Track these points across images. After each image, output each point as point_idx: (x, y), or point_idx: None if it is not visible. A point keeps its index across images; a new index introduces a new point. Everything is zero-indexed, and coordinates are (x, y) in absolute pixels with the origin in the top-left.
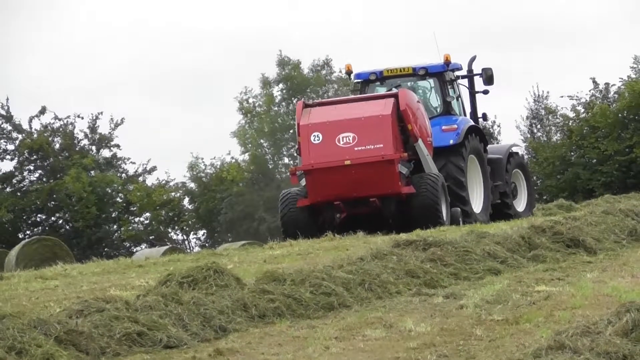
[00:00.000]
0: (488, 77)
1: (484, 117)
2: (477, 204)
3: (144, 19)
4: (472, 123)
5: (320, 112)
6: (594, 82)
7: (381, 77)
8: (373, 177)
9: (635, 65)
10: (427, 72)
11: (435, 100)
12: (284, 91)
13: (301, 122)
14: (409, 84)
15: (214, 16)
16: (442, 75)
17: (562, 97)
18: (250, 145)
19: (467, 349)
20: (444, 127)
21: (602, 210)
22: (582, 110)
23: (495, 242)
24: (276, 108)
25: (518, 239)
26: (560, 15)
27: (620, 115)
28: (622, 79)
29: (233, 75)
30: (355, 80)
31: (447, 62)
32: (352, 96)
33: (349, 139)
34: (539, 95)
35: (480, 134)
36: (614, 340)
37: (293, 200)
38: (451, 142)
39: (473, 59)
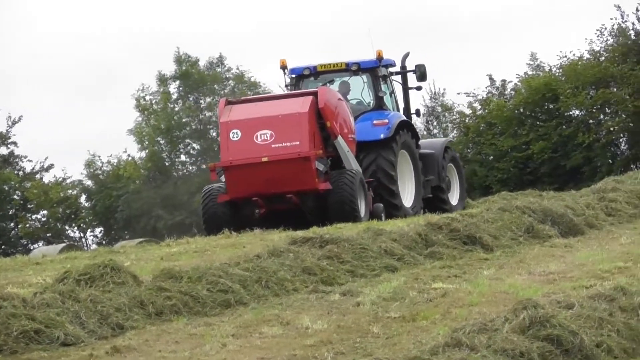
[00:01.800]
0: (421, 74)
1: (417, 112)
2: (407, 198)
3: (40, 15)
4: (403, 118)
5: (240, 110)
6: (491, 78)
7: (315, 73)
8: (290, 173)
9: (531, 62)
10: (359, 68)
11: (367, 96)
12: (181, 88)
13: (221, 120)
14: (342, 79)
15: (109, 14)
16: (374, 70)
17: (458, 94)
18: (147, 142)
19: (364, 346)
20: (375, 122)
21: (498, 207)
22: (479, 107)
23: (392, 239)
24: (172, 105)
25: (415, 235)
26: (457, 12)
27: (516, 111)
28: (518, 75)
29: (129, 72)
30: (290, 76)
31: (380, 58)
32: (273, 94)
33: (267, 136)
34: (435, 92)
35: (411, 129)
36: (511, 338)
37: (214, 196)
38: (382, 136)
39: (406, 55)
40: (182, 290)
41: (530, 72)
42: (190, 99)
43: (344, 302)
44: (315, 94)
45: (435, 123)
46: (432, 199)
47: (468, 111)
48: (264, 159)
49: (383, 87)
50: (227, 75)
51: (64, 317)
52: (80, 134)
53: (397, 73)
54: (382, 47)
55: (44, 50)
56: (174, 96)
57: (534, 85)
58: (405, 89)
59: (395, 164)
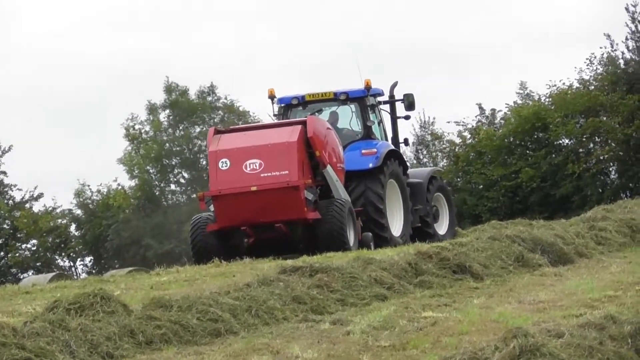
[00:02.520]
0: (409, 103)
1: (406, 142)
2: (396, 227)
3: (27, 44)
4: (391, 147)
5: (229, 139)
6: (480, 107)
7: (303, 102)
8: (279, 203)
9: (521, 91)
10: (348, 97)
11: (356, 125)
12: (171, 117)
13: (210, 149)
14: (330, 108)
15: (98, 43)
16: (362, 100)
17: (448, 122)
18: (137, 171)
19: None
20: (363, 151)
21: (488, 236)
22: (469, 135)
23: (382, 268)
24: (163, 134)
25: (404, 264)
26: (446, 41)
27: (506, 140)
28: (508, 104)
29: (119, 101)
30: (278, 105)
31: (368, 87)
32: (262, 123)
33: (256, 166)
34: (425, 121)
35: (399, 158)
36: None
37: (203, 225)
38: (370, 165)
39: (395, 84)
40: (172, 319)
41: (519, 101)
42: (181, 128)
43: (334, 331)
44: (304, 123)
45: (425, 152)
46: (419, 228)
47: (458, 140)
48: (253, 188)
49: (371, 116)
50: (217, 105)
51: (54, 346)
52: (70, 163)
53: (385, 102)
54: (371, 76)
55: (32, 79)
56: (164, 125)
57: (523, 114)
58: (394, 118)
59: (383, 196)
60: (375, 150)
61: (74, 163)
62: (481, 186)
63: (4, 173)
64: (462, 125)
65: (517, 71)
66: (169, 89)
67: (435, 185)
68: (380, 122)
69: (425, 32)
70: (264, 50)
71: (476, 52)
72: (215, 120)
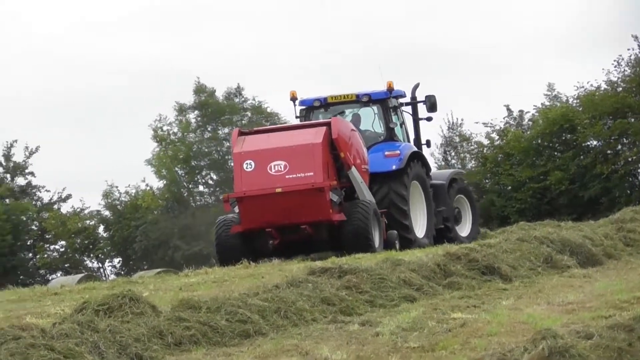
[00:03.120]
0: (431, 104)
1: (428, 143)
2: (420, 229)
3: (57, 44)
4: (414, 149)
5: (253, 140)
6: (508, 109)
7: (325, 104)
8: (304, 204)
9: (549, 93)
10: (370, 99)
11: (378, 127)
12: (199, 118)
13: (235, 150)
14: (352, 110)
15: (126, 44)
16: (385, 101)
17: (476, 123)
18: (165, 172)
19: None
20: (386, 153)
21: (517, 237)
22: (497, 137)
23: (411, 269)
24: (192, 134)
25: (433, 266)
26: (475, 43)
27: (534, 142)
28: (536, 106)
29: (146, 103)
30: (300, 107)
31: (390, 89)
32: (286, 124)
33: (281, 167)
34: (453, 122)
35: (422, 160)
36: None
37: (227, 227)
38: (394, 167)
39: (416, 86)
40: (201, 321)
41: (547, 103)
42: (209, 129)
43: (363, 332)
44: (328, 124)
45: (453, 153)
46: (441, 230)
47: (486, 141)
48: (278, 190)
49: (394, 118)
50: (245, 106)
51: (83, 347)
52: (98, 164)
53: (407, 104)
54: (394, 78)
55: (61, 80)
56: (193, 126)
57: (551, 116)
58: (416, 120)
59: (407, 197)
60: (398, 152)
61: (102, 164)
62: (509, 187)
63: (32, 174)
64: (490, 126)
65: (545, 73)
66: (199, 89)
67: (456, 187)
68: (403, 123)
69: (453, 34)
70: (290, 52)
71: (504, 53)
72: (243, 121)
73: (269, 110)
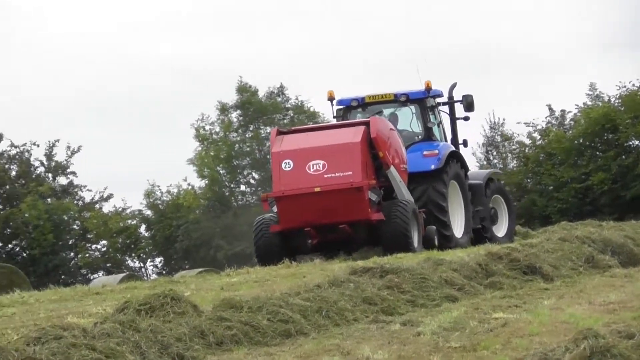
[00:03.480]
0: (468, 104)
1: (465, 143)
2: (458, 228)
3: (99, 45)
4: (453, 149)
5: (292, 140)
6: (550, 109)
7: (363, 104)
8: (342, 204)
9: (591, 92)
10: (408, 99)
11: (416, 126)
12: (241, 118)
13: (273, 150)
14: (390, 110)
15: (169, 44)
16: (423, 101)
17: (518, 123)
18: (207, 170)
19: None
20: (425, 153)
21: (558, 237)
22: (538, 137)
23: (452, 269)
24: (234, 134)
25: (475, 266)
26: (517, 42)
27: (576, 142)
28: (577, 105)
29: (188, 102)
30: (337, 107)
31: (428, 89)
32: (325, 124)
33: (319, 167)
34: (495, 122)
35: (461, 160)
36: None
37: (266, 227)
38: (432, 167)
39: (454, 86)
40: (242, 320)
41: (589, 103)
42: (251, 128)
43: (405, 332)
44: (367, 123)
45: (494, 153)
46: (477, 230)
47: (527, 141)
48: (317, 189)
49: (431, 117)
50: (287, 106)
51: (124, 347)
52: (140, 163)
53: (444, 103)
54: (437, 77)
55: (103, 80)
56: (235, 125)
57: (593, 115)
58: (453, 119)
59: (446, 195)
60: (437, 151)
61: (144, 164)
62: (551, 187)
63: (74, 174)
64: (532, 126)
65: (587, 72)
66: (242, 89)
67: (493, 187)
68: (440, 123)
69: (495, 33)
70: (333, 51)
71: (547, 53)
72: (285, 121)
73: (311, 109)
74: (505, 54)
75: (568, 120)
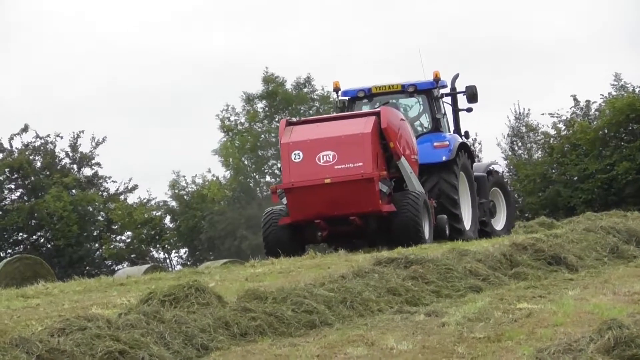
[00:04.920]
0: (471, 95)
1: (466, 134)
2: (467, 220)
3: (123, 35)
4: (461, 140)
5: (301, 131)
6: (575, 99)
7: (369, 95)
8: (353, 195)
9: (615, 83)
10: (416, 90)
11: (424, 118)
12: (267, 108)
13: (282, 140)
14: (397, 101)
15: (194, 34)
16: (431, 92)
17: (543, 114)
18: (232, 160)
19: None
20: (436, 144)
21: (583, 227)
22: (563, 127)
23: (477, 259)
24: (260, 124)
25: (499, 256)
26: (541, 33)
27: (600, 132)
28: (603, 96)
29: (212, 93)
30: (341, 98)
31: (437, 79)
32: (335, 114)
33: (329, 158)
34: (519, 112)
35: (468, 151)
36: (596, 358)
37: (275, 219)
38: (444, 158)
39: (456, 76)
40: (267, 311)
41: (614, 93)
42: (277, 119)
43: (429, 322)
44: (378, 113)
45: (519, 143)
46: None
47: (552, 132)
48: (327, 181)
49: (439, 108)
50: (313, 96)
51: (149, 337)
52: (165, 154)
53: (446, 95)
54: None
55: (127, 71)
56: (260, 116)
57: (618, 106)
58: (455, 111)
59: (457, 186)
60: (447, 142)
61: (169, 154)
62: (576, 178)
63: (99, 165)
64: (557, 117)
65: (612, 62)
66: (267, 79)
67: (492, 179)
68: (444, 114)
69: (521, 24)
70: (359, 43)
71: (571, 43)
72: (311, 111)
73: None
74: (530, 44)
75: (593, 110)
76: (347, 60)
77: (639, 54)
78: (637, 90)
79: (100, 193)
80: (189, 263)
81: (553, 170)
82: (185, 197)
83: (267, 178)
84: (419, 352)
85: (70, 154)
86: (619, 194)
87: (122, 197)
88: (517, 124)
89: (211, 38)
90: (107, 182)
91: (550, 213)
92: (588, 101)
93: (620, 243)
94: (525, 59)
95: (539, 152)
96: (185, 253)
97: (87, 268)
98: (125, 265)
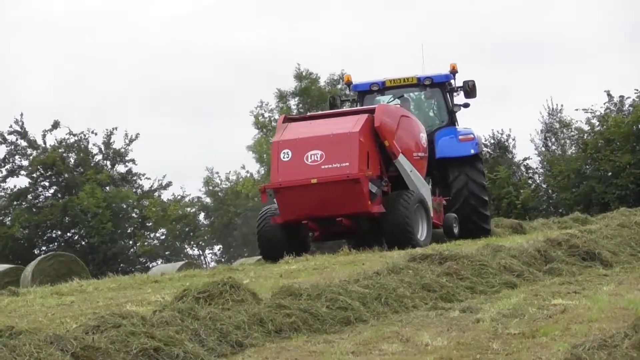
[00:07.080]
0: (470, 90)
1: None
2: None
3: (158, 33)
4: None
5: (294, 128)
6: (609, 95)
7: (384, 88)
8: (340, 196)
9: None
10: (432, 82)
11: (440, 111)
12: (300, 105)
13: (274, 138)
14: (412, 94)
15: (229, 31)
16: (445, 85)
17: (576, 110)
18: (266, 157)
19: None
20: (461, 137)
21: (617, 223)
22: (597, 123)
23: (511, 255)
24: None
25: (534, 252)
26: (574, 28)
27: (634, 127)
28: (637, 91)
29: (247, 89)
30: (353, 91)
31: (454, 72)
32: (331, 111)
33: (317, 157)
34: (553, 108)
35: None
36: (631, 354)
37: (269, 218)
38: (472, 151)
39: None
40: (301, 308)
41: None
42: None
43: (464, 318)
44: (372, 111)
45: (553, 139)
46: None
47: (586, 127)
48: (313, 181)
49: (454, 101)
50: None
51: (183, 335)
52: (199, 151)
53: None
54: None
55: (161, 68)
56: (294, 112)
57: None
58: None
59: (486, 186)
60: (472, 135)
61: (203, 151)
62: (610, 173)
63: (133, 161)
64: (591, 112)
65: None
66: (300, 76)
67: None
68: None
69: (552, 21)
70: (392, 38)
71: (605, 37)
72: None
73: None
74: (563, 40)
75: (627, 106)
76: (382, 55)
77: None
78: None
79: (134, 190)
80: (223, 260)
81: (587, 166)
82: (219, 193)
83: None
84: (453, 348)
85: (104, 151)
86: None
87: (156, 194)
88: (550, 119)
89: (248, 32)
90: (141, 179)
91: (584, 209)
92: (622, 96)
93: None
94: (559, 54)
95: (573, 147)
96: (219, 250)
97: (122, 265)
98: (159, 262)
